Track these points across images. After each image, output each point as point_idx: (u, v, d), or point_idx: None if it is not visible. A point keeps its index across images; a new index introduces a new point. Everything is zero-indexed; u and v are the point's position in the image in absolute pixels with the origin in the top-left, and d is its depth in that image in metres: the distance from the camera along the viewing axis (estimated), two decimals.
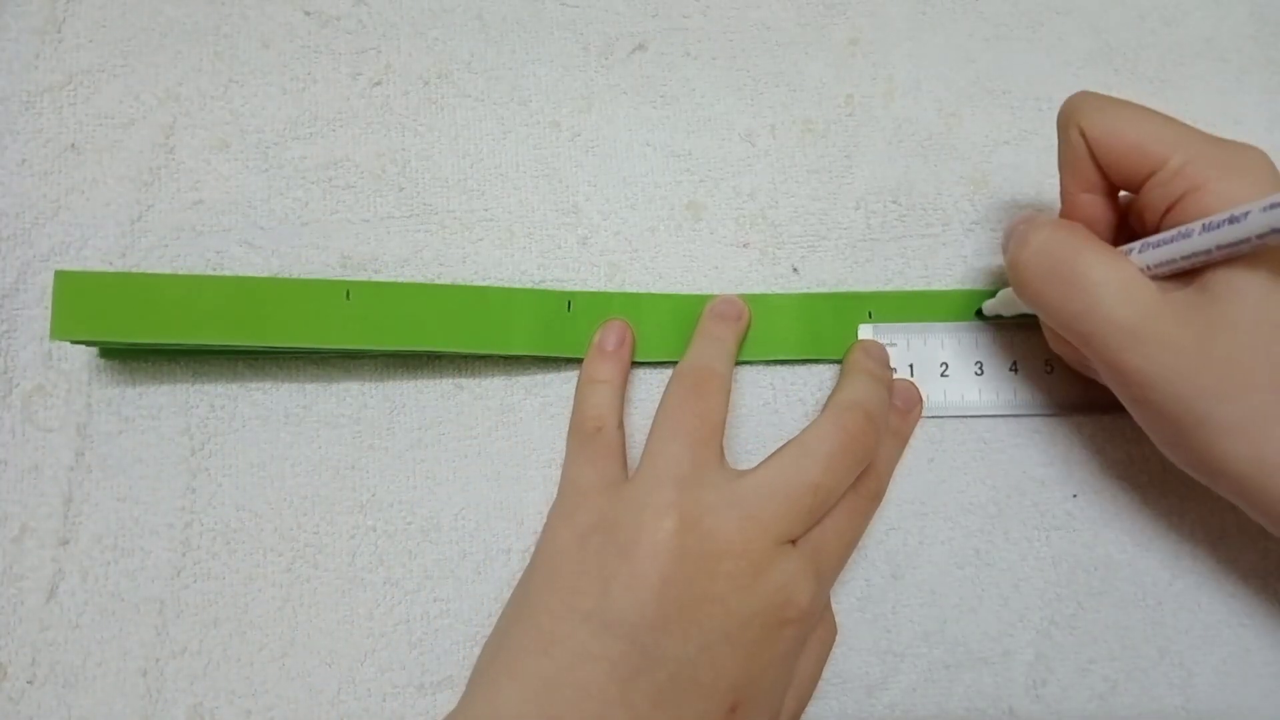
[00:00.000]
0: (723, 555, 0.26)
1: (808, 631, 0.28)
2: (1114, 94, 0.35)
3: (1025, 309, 0.30)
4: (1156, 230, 0.27)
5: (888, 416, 0.31)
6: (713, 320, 0.32)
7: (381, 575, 0.31)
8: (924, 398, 0.33)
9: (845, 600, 0.31)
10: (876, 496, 0.31)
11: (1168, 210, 0.26)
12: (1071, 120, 0.28)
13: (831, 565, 0.29)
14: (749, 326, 0.33)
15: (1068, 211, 0.29)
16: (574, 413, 0.32)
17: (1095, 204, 0.28)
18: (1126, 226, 0.29)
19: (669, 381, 0.30)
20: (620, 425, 0.31)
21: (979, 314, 0.33)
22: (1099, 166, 0.27)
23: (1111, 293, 0.26)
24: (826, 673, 0.30)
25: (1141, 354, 0.25)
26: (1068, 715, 0.31)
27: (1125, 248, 0.27)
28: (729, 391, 0.30)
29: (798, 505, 0.27)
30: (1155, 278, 0.26)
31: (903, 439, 0.32)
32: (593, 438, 0.30)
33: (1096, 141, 0.27)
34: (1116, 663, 0.31)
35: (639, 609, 0.26)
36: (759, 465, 0.28)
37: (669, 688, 0.25)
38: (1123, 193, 0.29)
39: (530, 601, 0.28)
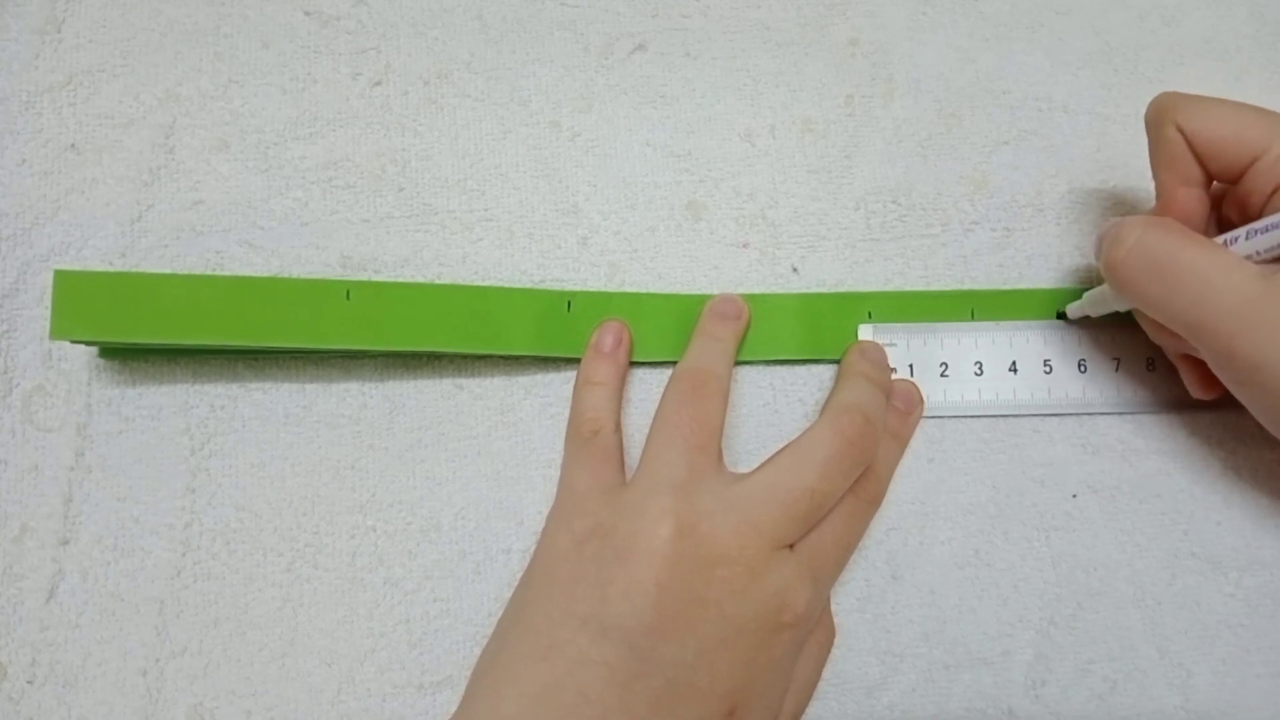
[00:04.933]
0: (718, 560, 0.26)
1: (805, 635, 0.28)
2: (1114, 94, 0.36)
3: (1114, 308, 0.30)
4: (1258, 217, 0.27)
5: (885, 419, 0.31)
6: (712, 319, 0.32)
7: (381, 575, 0.31)
8: (924, 398, 0.33)
9: (845, 601, 0.31)
10: (875, 500, 0.31)
11: (1272, 194, 0.27)
12: (1166, 117, 0.28)
13: (828, 569, 0.29)
14: (749, 326, 0.33)
15: (1164, 207, 0.29)
16: (571, 415, 0.32)
17: (1192, 197, 0.29)
18: (1218, 220, 0.30)
19: (667, 384, 0.30)
20: (618, 427, 0.31)
21: (1061, 316, 0.33)
22: (1199, 159, 0.28)
23: (1217, 281, 0.26)
24: (826, 674, 0.30)
25: (1252, 337, 0.26)
26: (1067, 715, 0.31)
27: (1228, 236, 0.27)
28: (727, 393, 0.30)
29: (793, 510, 0.27)
30: (1260, 263, 0.27)
31: (902, 441, 0.32)
32: (589, 441, 0.30)
33: (1195, 134, 0.28)
34: (1116, 663, 0.31)
35: (636, 614, 0.26)
36: (755, 470, 0.28)
37: (666, 692, 0.25)
38: (1214, 184, 0.29)
39: (528, 607, 0.28)
